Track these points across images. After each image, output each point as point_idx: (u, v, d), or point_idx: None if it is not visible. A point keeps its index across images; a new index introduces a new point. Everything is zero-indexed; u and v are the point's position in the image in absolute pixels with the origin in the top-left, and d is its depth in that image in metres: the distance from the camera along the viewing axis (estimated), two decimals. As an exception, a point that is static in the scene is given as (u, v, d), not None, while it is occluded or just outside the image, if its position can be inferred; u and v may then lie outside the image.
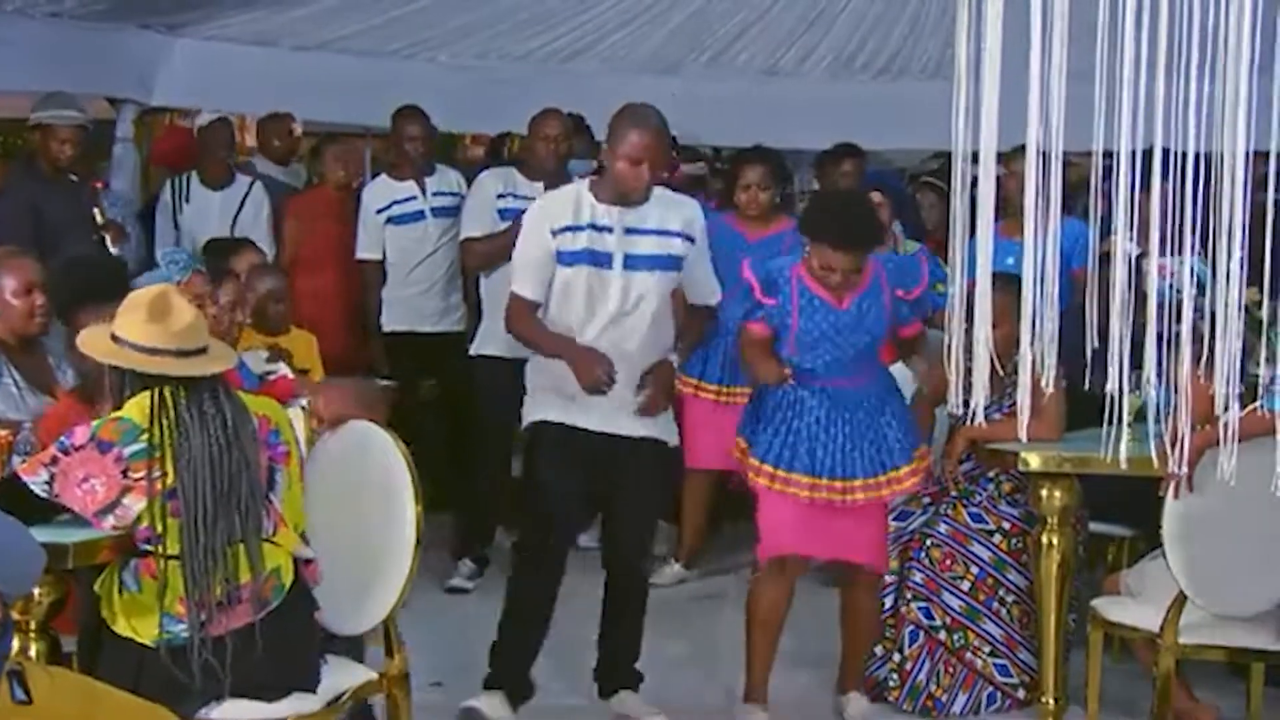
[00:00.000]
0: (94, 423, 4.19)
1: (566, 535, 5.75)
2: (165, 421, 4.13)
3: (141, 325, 4.20)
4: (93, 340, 4.30)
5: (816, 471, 5.50)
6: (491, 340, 7.19)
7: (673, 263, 5.62)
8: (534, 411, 5.68)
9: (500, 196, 7.62)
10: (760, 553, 5.70)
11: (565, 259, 5.52)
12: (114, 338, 4.23)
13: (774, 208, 7.67)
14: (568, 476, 5.60)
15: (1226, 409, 2.84)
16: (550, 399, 5.61)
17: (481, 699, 5.62)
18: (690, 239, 5.67)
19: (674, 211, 5.67)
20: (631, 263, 5.54)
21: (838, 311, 5.47)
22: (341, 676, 4.46)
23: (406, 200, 7.99)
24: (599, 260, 5.53)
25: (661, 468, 5.82)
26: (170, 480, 4.11)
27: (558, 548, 5.66)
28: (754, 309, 5.54)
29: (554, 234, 5.52)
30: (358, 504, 4.63)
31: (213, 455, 4.13)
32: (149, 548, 4.13)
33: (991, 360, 3.07)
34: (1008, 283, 3.66)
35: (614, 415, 5.56)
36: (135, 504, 4.10)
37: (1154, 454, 3.08)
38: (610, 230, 5.54)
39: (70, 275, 5.56)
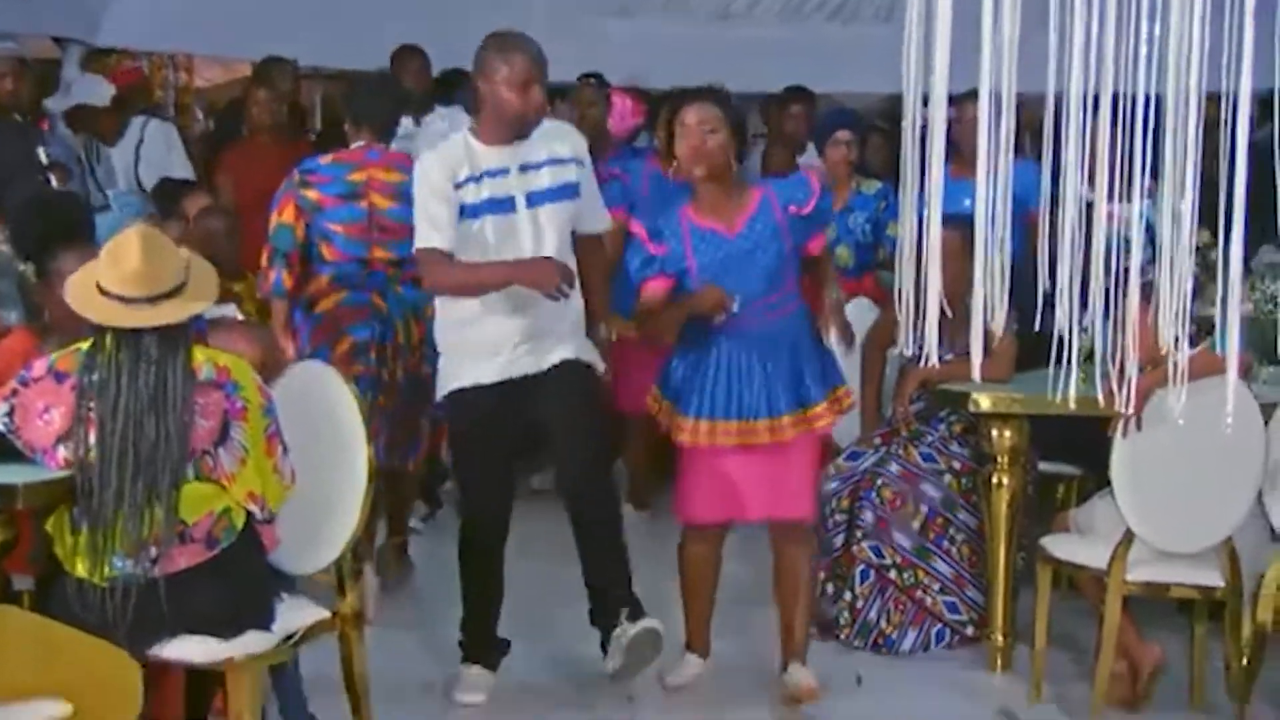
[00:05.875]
0: (53, 354, 4.20)
1: (505, 498, 5.54)
2: (102, 362, 4.12)
3: (104, 270, 4.18)
4: (73, 285, 4.26)
5: (744, 414, 5.32)
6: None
7: (572, 191, 5.48)
8: (448, 380, 5.50)
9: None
10: (677, 515, 5.57)
11: (468, 212, 5.36)
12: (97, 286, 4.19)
13: None
14: (494, 439, 5.45)
15: (1177, 348, 2.87)
16: (460, 361, 5.45)
17: (463, 681, 5.49)
18: (581, 163, 5.54)
19: (560, 140, 5.52)
20: (535, 199, 5.40)
21: (730, 240, 5.31)
22: (295, 615, 4.46)
23: None
24: (502, 206, 5.37)
25: (585, 384, 5.53)
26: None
27: (499, 510, 5.50)
28: (647, 262, 5.36)
29: (457, 187, 5.35)
30: (309, 445, 4.62)
31: (128, 407, 4.09)
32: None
33: (941, 302, 3.09)
34: (958, 223, 3.69)
35: (520, 359, 5.41)
36: (89, 436, 4.11)
37: (1101, 394, 3.11)
38: (506, 172, 5.39)
39: (35, 215, 5.58)
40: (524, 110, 5.35)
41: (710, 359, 5.37)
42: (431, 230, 5.36)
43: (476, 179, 5.36)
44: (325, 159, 6.50)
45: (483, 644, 5.55)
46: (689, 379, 5.39)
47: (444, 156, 5.46)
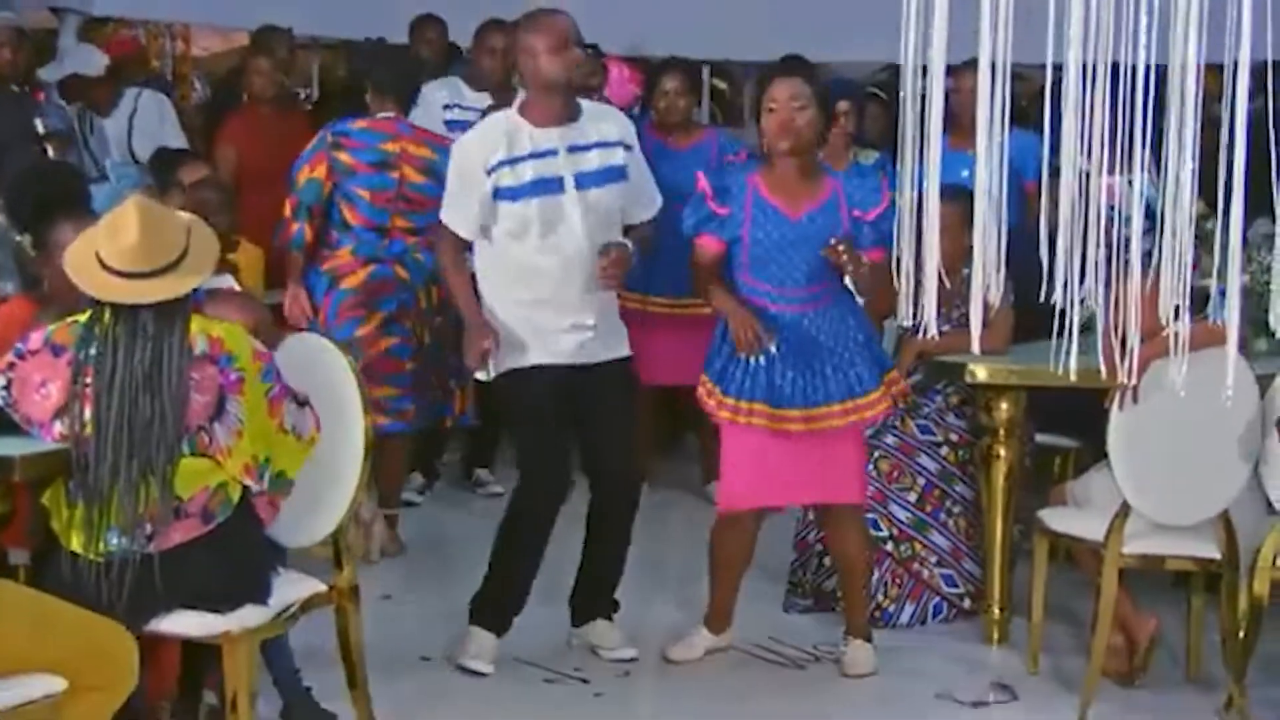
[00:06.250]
0: (49, 327, 4.18)
1: (568, 473, 5.59)
2: (99, 336, 4.10)
3: (103, 243, 4.16)
4: (72, 255, 4.24)
5: (778, 402, 5.31)
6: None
7: (619, 174, 5.48)
8: (510, 358, 5.47)
9: (447, 108, 7.62)
10: (718, 501, 5.61)
11: (509, 194, 5.35)
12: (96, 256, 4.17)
13: (693, 118, 7.94)
14: (558, 415, 5.47)
15: (1177, 319, 2.86)
16: (513, 343, 5.44)
17: (472, 644, 5.50)
18: (629, 147, 5.55)
19: (608, 122, 5.56)
20: (583, 181, 5.39)
21: (790, 222, 5.31)
22: (292, 588, 4.46)
23: None
24: (549, 187, 5.36)
25: (629, 383, 5.66)
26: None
27: (562, 486, 5.55)
28: (706, 219, 5.39)
29: (489, 172, 5.35)
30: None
31: (124, 383, 4.08)
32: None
33: (940, 273, 3.08)
34: (956, 195, 3.68)
35: (587, 345, 5.44)
36: (85, 411, 4.09)
37: (1102, 366, 3.10)
38: (555, 153, 5.38)
39: (31, 186, 5.60)
40: (565, 71, 5.37)
41: None
42: (453, 211, 5.50)
43: (517, 160, 5.36)
44: (356, 124, 6.69)
45: (505, 612, 5.54)
46: (731, 359, 5.38)
47: (481, 137, 5.51)
